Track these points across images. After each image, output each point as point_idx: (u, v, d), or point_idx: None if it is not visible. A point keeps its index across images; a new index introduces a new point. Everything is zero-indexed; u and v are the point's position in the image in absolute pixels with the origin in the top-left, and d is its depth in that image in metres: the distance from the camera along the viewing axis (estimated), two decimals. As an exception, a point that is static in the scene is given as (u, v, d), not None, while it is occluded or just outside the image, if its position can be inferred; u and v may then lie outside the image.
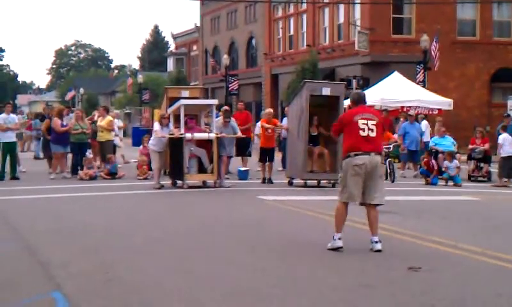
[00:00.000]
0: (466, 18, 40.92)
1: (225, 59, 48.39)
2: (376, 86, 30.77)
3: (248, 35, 55.29)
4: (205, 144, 18.15)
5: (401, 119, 25.28)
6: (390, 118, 26.00)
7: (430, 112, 28.77)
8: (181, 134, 17.75)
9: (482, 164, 21.90)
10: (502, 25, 41.45)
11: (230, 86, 45.84)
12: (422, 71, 31.76)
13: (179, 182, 18.11)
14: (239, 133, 19.41)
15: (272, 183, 19.40)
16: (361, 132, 9.51)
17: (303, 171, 18.28)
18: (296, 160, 18.69)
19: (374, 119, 9.68)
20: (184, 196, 16.72)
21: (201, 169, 18.09)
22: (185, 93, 22.30)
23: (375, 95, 28.55)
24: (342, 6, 42.66)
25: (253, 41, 55.02)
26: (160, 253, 9.40)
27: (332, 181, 18.38)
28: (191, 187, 17.78)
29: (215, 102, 20.00)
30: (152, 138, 18.52)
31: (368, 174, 9.49)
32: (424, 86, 31.04)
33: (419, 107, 28.21)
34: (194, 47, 68.45)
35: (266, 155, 19.92)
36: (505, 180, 20.59)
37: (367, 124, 9.55)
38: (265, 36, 51.43)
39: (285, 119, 22.80)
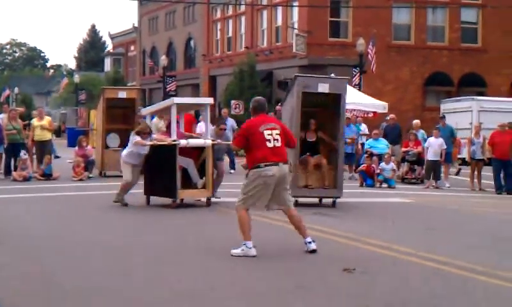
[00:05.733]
0: (402, 22, 41.66)
1: (163, 59, 48.15)
2: (313, 89, 31.00)
3: (186, 36, 55.16)
4: (190, 152, 14.82)
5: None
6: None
7: (365, 115, 29.17)
8: (174, 141, 14.31)
9: (415, 167, 22.37)
10: (436, 29, 42.31)
11: (167, 87, 45.65)
12: (358, 74, 32.20)
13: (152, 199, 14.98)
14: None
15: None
16: (268, 143, 9.46)
17: (293, 185, 14.35)
18: None
19: (277, 128, 9.68)
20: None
21: (186, 184, 14.65)
22: (123, 94, 22.23)
23: (312, 98, 28.74)
24: (280, 9, 42.96)
25: (192, 42, 54.93)
26: (101, 257, 9.33)
27: (333, 199, 15.26)
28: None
29: (210, 100, 16.26)
30: (127, 148, 14.93)
31: (277, 184, 9.50)
32: (359, 89, 31.46)
33: (355, 110, 28.57)
34: (132, 47, 67.99)
35: None
36: (434, 183, 21.10)
37: (271, 134, 9.52)
38: (204, 37, 51.39)
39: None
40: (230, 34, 48.70)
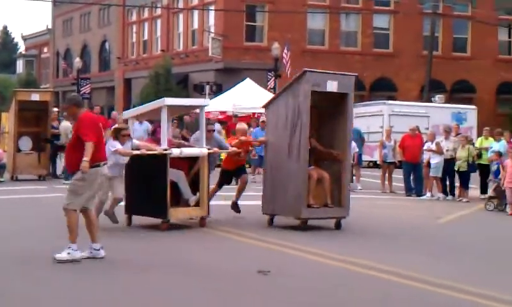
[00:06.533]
0: (316, 27, 42.31)
1: (77, 62, 47.52)
2: (228, 92, 31.26)
3: (101, 38, 54.56)
4: (179, 163, 12.56)
5: (252, 125, 25.73)
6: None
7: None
8: (165, 150, 11.96)
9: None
10: (350, 35, 43.13)
11: (81, 89, 45.09)
12: (273, 78, 32.57)
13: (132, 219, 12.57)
14: (229, 148, 13.49)
15: (239, 211, 13.78)
16: (103, 141, 9.48)
17: (301, 205, 12.12)
18: (286, 189, 12.38)
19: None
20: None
21: (175, 200, 12.37)
22: (36, 96, 21.89)
23: (227, 101, 28.99)
24: (196, 13, 42.99)
25: (107, 45, 54.38)
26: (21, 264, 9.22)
27: (337, 220, 12.86)
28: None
29: (207, 102, 13.95)
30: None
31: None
32: (274, 93, 31.78)
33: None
34: (45, 49, 66.80)
35: (231, 177, 14.49)
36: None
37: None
38: (119, 40, 50.95)
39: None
40: (146, 37, 48.45)
